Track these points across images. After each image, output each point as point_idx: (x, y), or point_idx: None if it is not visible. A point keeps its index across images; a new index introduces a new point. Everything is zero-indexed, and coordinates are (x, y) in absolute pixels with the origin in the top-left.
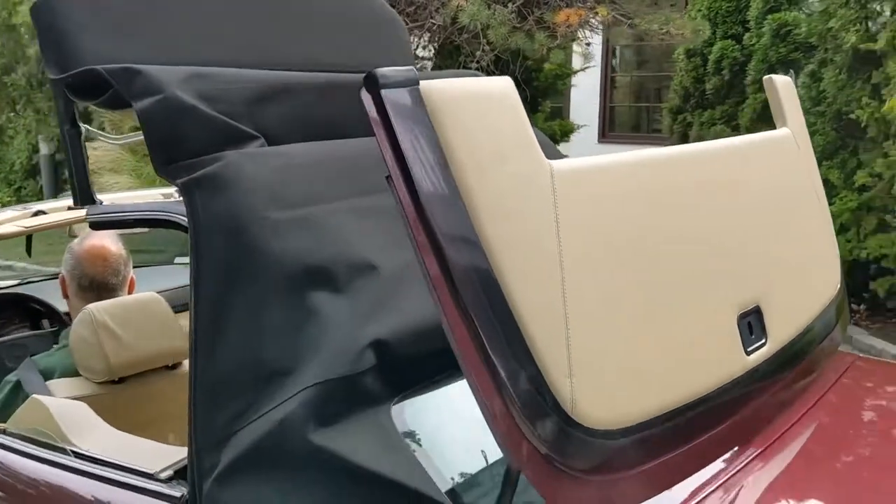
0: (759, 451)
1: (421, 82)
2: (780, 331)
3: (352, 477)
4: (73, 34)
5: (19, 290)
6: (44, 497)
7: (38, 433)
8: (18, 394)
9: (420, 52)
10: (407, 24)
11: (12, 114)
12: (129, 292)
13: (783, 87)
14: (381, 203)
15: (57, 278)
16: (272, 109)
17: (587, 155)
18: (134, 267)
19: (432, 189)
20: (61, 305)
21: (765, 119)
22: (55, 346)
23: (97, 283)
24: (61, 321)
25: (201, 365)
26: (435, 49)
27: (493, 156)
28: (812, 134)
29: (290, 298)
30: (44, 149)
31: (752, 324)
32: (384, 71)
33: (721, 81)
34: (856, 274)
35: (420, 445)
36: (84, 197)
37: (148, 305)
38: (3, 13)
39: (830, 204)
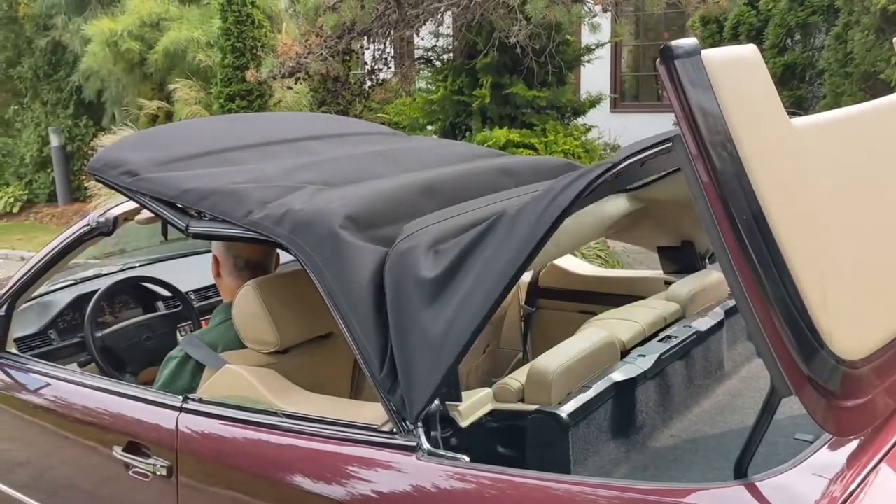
0: None
1: (702, 52)
2: None
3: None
4: None
5: (135, 273)
6: (260, 459)
7: (243, 400)
8: (185, 367)
9: (443, 30)
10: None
11: (16, 106)
12: (275, 268)
13: None
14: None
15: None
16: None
17: (602, 124)
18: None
19: (714, 134)
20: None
21: (783, 83)
22: (213, 321)
23: (252, 262)
24: (183, 302)
25: (358, 330)
26: (462, 27)
27: (756, 113)
28: (839, 95)
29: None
30: (54, 140)
31: None
32: (676, 43)
33: None
34: None
35: None
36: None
37: (300, 279)
38: (4, 5)
39: None
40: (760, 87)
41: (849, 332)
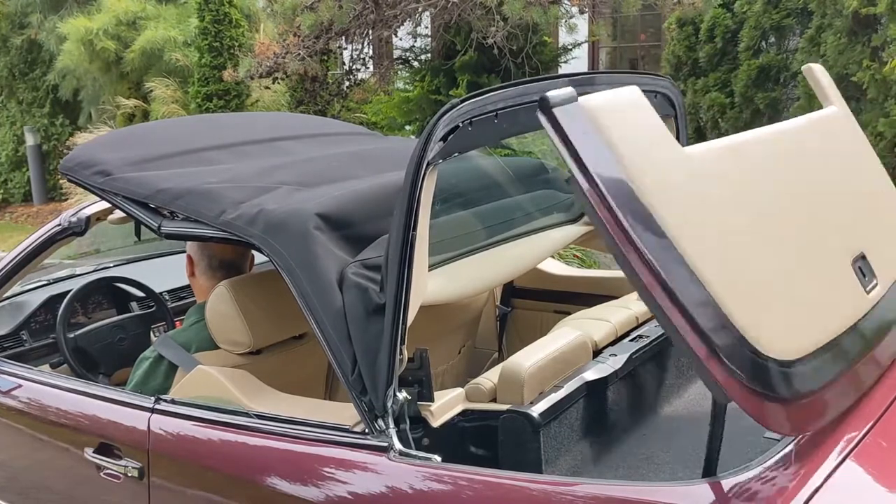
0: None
1: (579, 98)
2: (885, 274)
3: None
4: None
5: (107, 273)
6: (231, 460)
7: (215, 401)
8: (159, 368)
9: (420, 31)
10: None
11: None
12: (250, 268)
13: (822, 74)
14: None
15: (127, 263)
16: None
17: None
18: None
19: (606, 175)
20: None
21: (757, 85)
22: (186, 322)
23: (227, 263)
24: (157, 303)
25: (331, 330)
26: (438, 28)
27: (643, 146)
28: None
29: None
30: (30, 139)
31: (862, 268)
32: (551, 94)
33: (714, 49)
34: None
35: None
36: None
37: (273, 279)
38: None
39: None
40: (646, 123)
41: (781, 335)
